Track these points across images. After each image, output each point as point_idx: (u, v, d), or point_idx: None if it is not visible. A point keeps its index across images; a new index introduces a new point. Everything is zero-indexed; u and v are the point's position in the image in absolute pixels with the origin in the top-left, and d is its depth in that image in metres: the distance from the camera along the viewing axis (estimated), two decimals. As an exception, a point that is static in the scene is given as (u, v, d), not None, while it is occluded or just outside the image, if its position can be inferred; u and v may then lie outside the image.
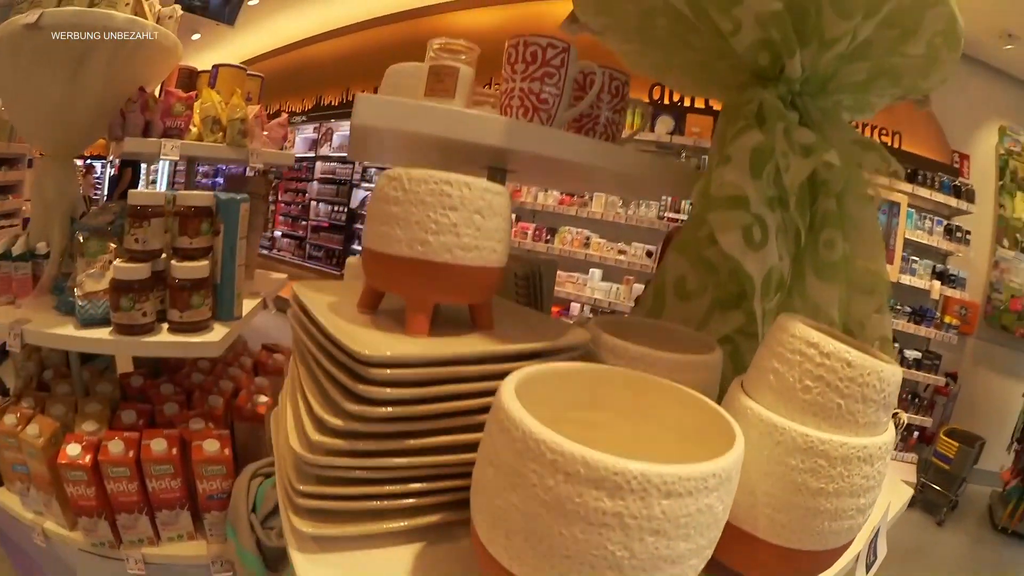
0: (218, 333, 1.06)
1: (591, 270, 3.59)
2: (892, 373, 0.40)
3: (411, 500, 0.41)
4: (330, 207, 5.74)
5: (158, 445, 1.02)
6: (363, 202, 5.49)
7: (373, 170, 5.36)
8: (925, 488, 3.02)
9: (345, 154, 5.48)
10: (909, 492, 0.71)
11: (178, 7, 1.27)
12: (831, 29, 0.59)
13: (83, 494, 0.99)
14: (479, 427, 0.41)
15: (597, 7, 0.73)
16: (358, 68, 5.64)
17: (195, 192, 1.08)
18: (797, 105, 0.65)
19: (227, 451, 1.02)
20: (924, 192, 3.39)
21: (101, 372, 1.32)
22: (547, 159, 0.63)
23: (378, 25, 5.55)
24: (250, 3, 2.29)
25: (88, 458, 0.99)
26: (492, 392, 0.41)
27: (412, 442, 0.39)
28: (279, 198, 6.30)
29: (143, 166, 1.84)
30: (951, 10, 0.58)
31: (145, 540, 1.05)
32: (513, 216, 3.03)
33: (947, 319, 3.47)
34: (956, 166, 3.66)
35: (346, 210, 5.53)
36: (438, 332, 0.46)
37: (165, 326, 1.06)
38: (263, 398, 1.23)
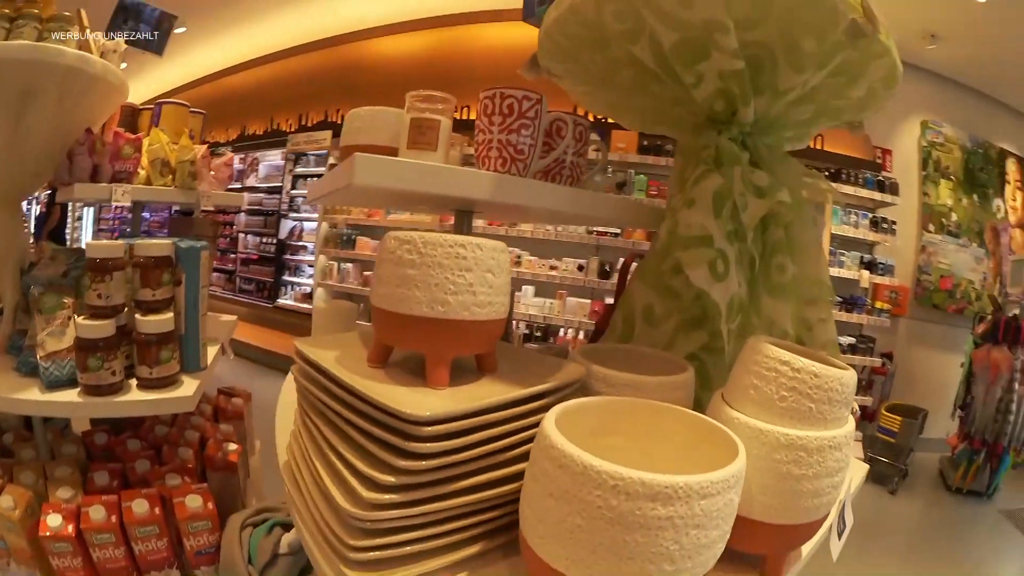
0: (189, 387, 1.05)
1: (524, 287, 3.80)
2: (850, 377, 0.51)
3: (455, 537, 0.47)
4: (259, 239, 5.66)
5: (139, 506, 1.01)
6: (292, 232, 5.45)
7: (300, 199, 5.34)
8: (874, 462, 3.31)
9: (273, 184, 5.43)
10: (865, 467, 0.82)
11: (122, 41, 1.26)
12: (785, 81, 0.69)
13: (69, 565, 0.98)
14: (508, 462, 0.47)
15: (564, 56, 0.80)
16: (281, 97, 5.64)
17: (153, 241, 1.06)
18: (747, 144, 0.75)
19: (210, 505, 1.03)
20: (848, 189, 3.74)
21: (61, 432, 1.28)
22: (514, 204, 0.69)
23: (300, 53, 5.55)
24: (177, 31, 2.25)
25: (71, 528, 0.98)
26: (519, 431, 0.48)
27: (455, 485, 0.45)
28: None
29: (70, 203, 1.78)
30: (893, 59, 0.68)
31: (137, 605, 1.05)
32: None
33: (878, 304, 3.84)
34: (879, 161, 4.05)
35: (275, 241, 5.47)
36: (453, 379, 0.52)
37: (133, 382, 1.04)
38: (232, 446, 1.24)
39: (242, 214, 5.79)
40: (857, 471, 0.78)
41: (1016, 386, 3.33)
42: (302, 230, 5.45)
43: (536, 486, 0.41)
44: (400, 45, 5.01)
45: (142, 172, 1.31)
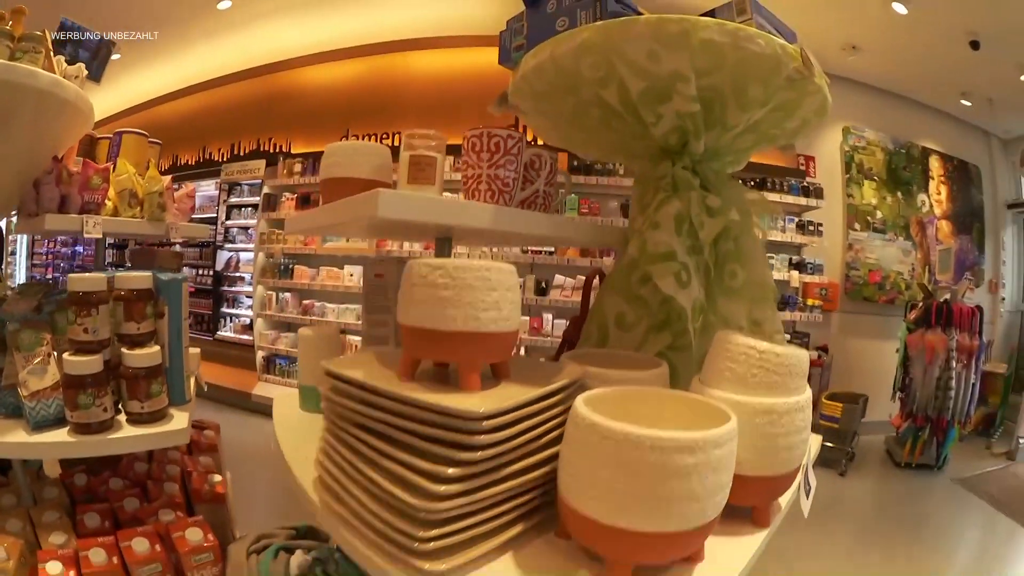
0: (180, 419, 1.07)
1: None
2: (804, 355, 0.67)
3: (501, 520, 0.57)
4: (195, 271, 5.52)
5: (140, 545, 1.01)
6: (228, 263, 5.36)
7: (236, 230, 5.29)
8: (820, 448, 3.64)
9: (207, 215, 5.28)
10: (819, 437, 0.99)
11: (83, 66, 1.27)
12: (733, 119, 0.84)
13: None
14: (540, 449, 0.59)
15: (536, 97, 0.93)
16: (214, 125, 5.61)
17: (134, 274, 1.08)
18: (697, 171, 0.90)
19: (211, 536, 1.06)
20: (775, 196, 4.10)
21: (37, 474, 1.27)
22: (489, 232, 0.80)
23: (232, 81, 5.54)
24: (112, 57, 2.21)
25: (73, 574, 0.97)
26: (547, 421, 0.59)
27: (503, 472, 0.55)
28: (137, 264, 6.13)
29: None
30: (824, 95, 0.85)
31: (144, 647, 1.05)
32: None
33: (809, 301, 4.24)
34: (803, 168, 4.47)
35: (212, 273, 5.38)
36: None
37: (122, 418, 1.05)
38: (217, 477, 1.28)
39: (176, 245, 5.64)
40: (813, 440, 0.91)
41: (953, 364, 3.73)
42: (239, 260, 5.38)
43: (581, 458, 0.52)
44: (332, 73, 5.10)
45: (108, 203, 1.32)
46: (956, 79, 4.49)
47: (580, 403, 0.55)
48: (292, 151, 5.13)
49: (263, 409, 4.57)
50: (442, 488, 0.51)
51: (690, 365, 0.85)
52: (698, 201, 0.87)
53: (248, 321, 5.12)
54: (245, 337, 5.07)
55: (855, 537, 2.80)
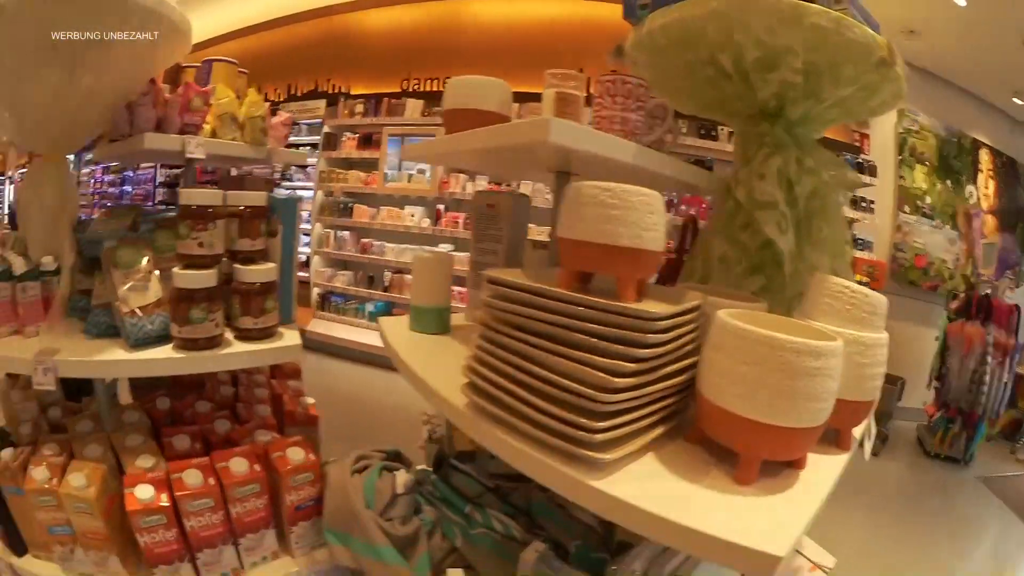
0: (291, 336, 1.13)
1: None
2: (884, 300, 0.78)
3: (651, 419, 0.67)
4: None
5: (239, 465, 1.04)
6: None
7: (293, 168, 5.52)
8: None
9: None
10: None
11: None
12: (826, 92, 0.98)
13: (162, 539, 0.98)
14: (685, 356, 0.69)
15: (655, 51, 1.04)
16: (269, 67, 5.78)
17: (247, 192, 1.12)
18: (791, 133, 1.04)
19: (311, 456, 1.10)
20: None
21: (111, 400, 1.30)
22: (614, 166, 0.89)
23: (288, 23, 5.80)
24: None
25: (165, 497, 0.99)
26: (689, 332, 0.69)
27: (661, 372, 0.65)
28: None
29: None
30: (902, 83, 0.99)
31: (229, 573, 1.07)
32: (442, 207, 3.41)
33: (857, 277, 4.29)
34: (857, 144, 4.55)
35: None
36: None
37: (228, 335, 1.09)
38: (309, 399, 1.35)
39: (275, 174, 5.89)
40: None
41: (989, 359, 3.83)
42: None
43: (728, 359, 0.63)
44: (389, 17, 5.30)
45: (206, 127, 1.36)
46: (1010, 77, 4.55)
47: (725, 315, 0.66)
48: (351, 92, 5.44)
49: (318, 346, 4.83)
50: (620, 381, 0.61)
51: (778, 306, 0.97)
52: (795, 160, 1.01)
53: (305, 258, 5.27)
54: (301, 274, 5.21)
55: (879, 517, 2.92)
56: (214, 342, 1.06)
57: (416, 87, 5.09)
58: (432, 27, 5.21)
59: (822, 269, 1.02)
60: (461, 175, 4.64)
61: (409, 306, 1.16)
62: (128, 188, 7.46)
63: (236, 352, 1.07)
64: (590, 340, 0.64)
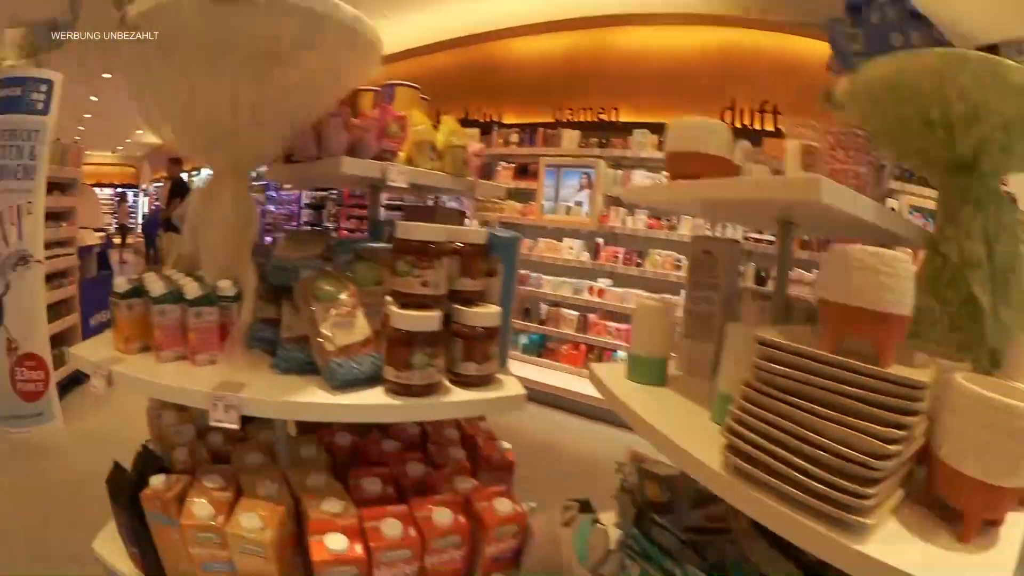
0: (513, 385, 1.29)
1: (681, 291, 4.73)
2: None
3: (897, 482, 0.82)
4: None
5: (442, 516, 1.18)
6: None
7: (446, 196, 6.35)
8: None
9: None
10: None
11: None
12: (1019, 146, 1.23)
13: None
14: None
15: (870, 99, 1.34)
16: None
17: (469, 228, 1.31)
18: (987, 187, 1.30)
19: (518, 508, 1.25)
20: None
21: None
22: (839, 216, 1.12)
23: (437, 50, 7.75)
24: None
25: (359, 548, 1.11)
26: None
27: (918, 436, 0.83)
28: (341, 225, 8.74)
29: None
30: None
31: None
32: (601, 240, 4.79)
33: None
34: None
35: None
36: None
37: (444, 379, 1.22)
38: (506, 444, 1.51)
39: (381, 210, 6.85)
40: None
41: None
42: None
43: (971, 425, 0.83)
44: (540, 46, 6.81)
45: (401, 154, 1.58)
46: None
47: (964, 381, 0.86)
48: (503, 121, 6.73)
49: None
50: (892, 448, 0.78)
51: (973, 364, 1.17)
52: (995, 216, 1.30)
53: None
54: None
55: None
56: (431, 389, 1.20)
57: (570, 116, 6.29)
58: (576, 55, 6.56)
59: (1014, 327, 1.26)
60: (621, 208, 5.53)
61: (628, 355, 1.41)
62: (272, 208, 8.92)
63: (459, 401, 1.23)
64: (856, 405, 0.83)
